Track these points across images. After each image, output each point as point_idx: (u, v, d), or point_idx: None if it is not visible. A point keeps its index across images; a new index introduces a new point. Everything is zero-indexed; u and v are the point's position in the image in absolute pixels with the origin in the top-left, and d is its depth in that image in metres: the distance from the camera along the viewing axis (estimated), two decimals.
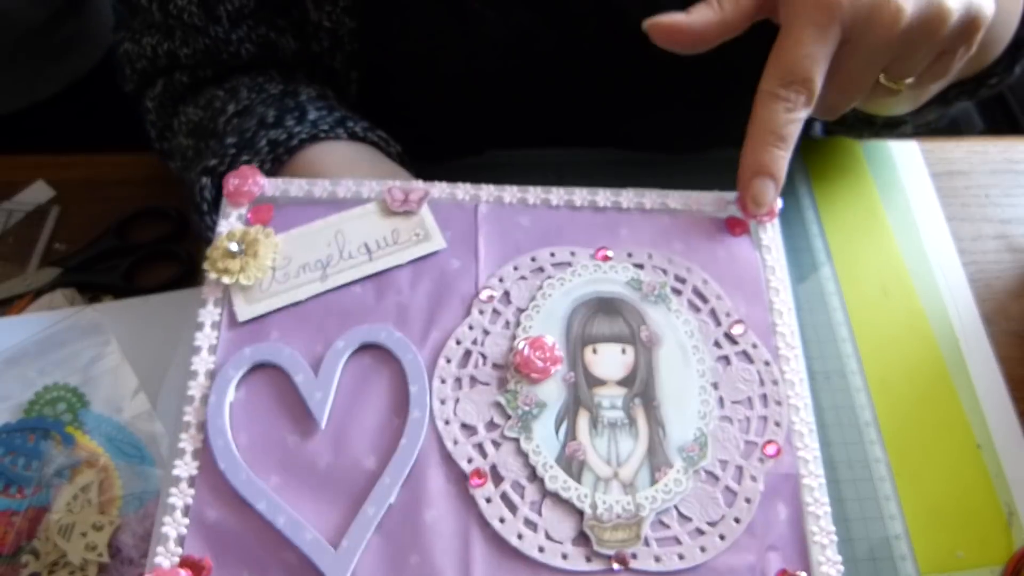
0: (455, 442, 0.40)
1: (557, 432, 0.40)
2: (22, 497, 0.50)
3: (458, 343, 0.43)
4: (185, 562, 0.38)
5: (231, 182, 0.46)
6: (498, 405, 0.41)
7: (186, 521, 0.39)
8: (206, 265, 0.44)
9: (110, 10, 0.62)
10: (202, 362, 0.42)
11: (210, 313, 0.43)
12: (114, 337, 0.57)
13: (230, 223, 0.45)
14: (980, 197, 0.74)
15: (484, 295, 0.44)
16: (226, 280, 0.43)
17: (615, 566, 0.38)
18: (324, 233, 0.45)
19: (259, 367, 0.42)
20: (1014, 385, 0.61)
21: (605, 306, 0.44)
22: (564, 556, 0.38)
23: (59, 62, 0.73)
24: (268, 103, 0.57)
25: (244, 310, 0.43)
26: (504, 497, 0.39)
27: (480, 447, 0.40)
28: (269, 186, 0.46)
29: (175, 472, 0.39)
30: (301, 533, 0.38)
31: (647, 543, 0.39)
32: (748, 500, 0.40)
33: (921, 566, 0.53)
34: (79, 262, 0.64)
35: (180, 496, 0.39)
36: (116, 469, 0.52)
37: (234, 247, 0.43)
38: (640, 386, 0.42)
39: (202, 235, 0.56)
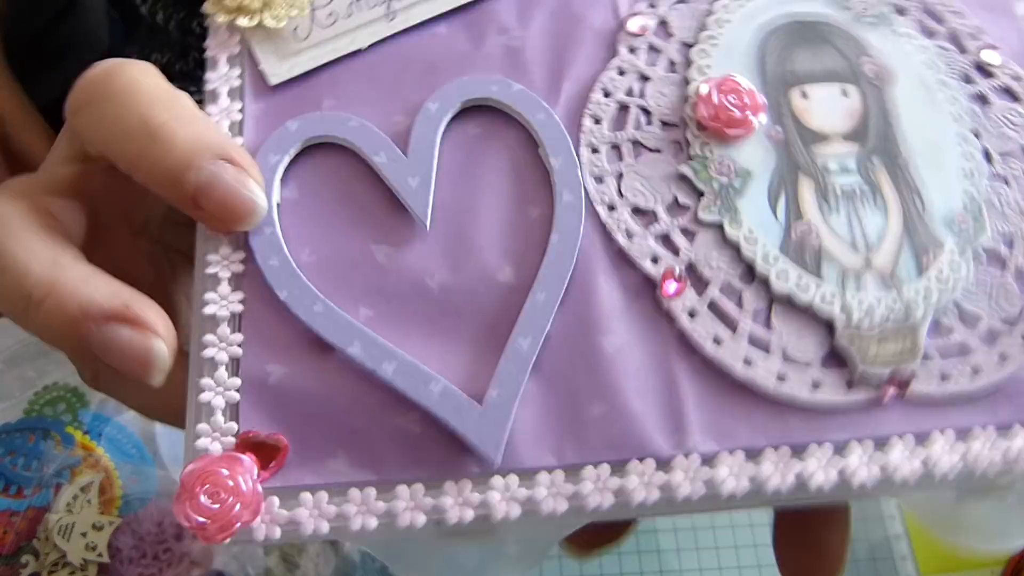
0: (629, 235, 0.27)
1: (775, 211, 0.27)
2: (22, 497, 0.49)
3: (607, 95, 0.29)
4: (245, 443, 0.24)
5: None
6: (682, 178, 0.28)
7: (237, 383, 0.25)
8: (207, 7, 0.28)
9: (103, 15, 0.51)
10: None
11: (224, 78, 0.28)
12: None
13: None
14: None
15: (633, 25, 0.29)
16: (243, 22, 0.28)
17: (891, 391, 0.26)
18: None
19: (313, 149, 0.27)
20: None
21: (807, 33, 0.30)
22: (815, 385, 0.26)
23: (53, 69, 0.66)
24: None
25: (276, 68, 0.28)
26: (714, 307, 0.26)
27: (666, 239, 0.27)
28: None
29: (206, 310, 0.25)
30: (424, 384, 0.24)
31: (927, 355, 0.26)
32: None
33: (921, 566, 0.53)
34: None
35: (222, 346, 0.25)
36: (116, 469, 0.51)
37: None
38: (877, 139, 0.29)
39: None
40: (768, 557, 0.33)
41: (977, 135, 0.29)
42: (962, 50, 0.30)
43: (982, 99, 0.30)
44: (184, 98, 0.26)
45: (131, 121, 0.25)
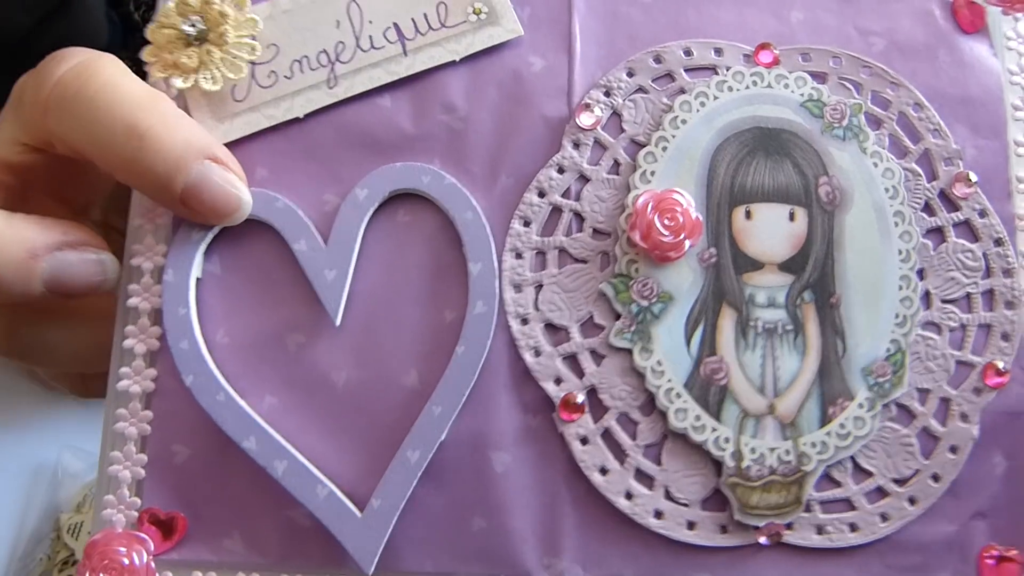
0: (536, 353, 0.27)
1: (688, 342, 0.27)
2: None
3: (541, 195, 0.28)
4: (148, 519, 0.26)
5: None
6: (601, 296, 0.27)
7: (144, 459, 0.26)
8: (146, 56, 0.28)
9: (101, 17, 0.46)
10: (148, 216, 0.27)
11: None
12: None
13: None
14: None
15: (583, 119, 0.28)
16: (178, 83, 0.27)
17: (762, 540, 0.27)
18: (329, 7, 0.28)
19: (240, 225, 0.28)
20: None
21: (769, 143, 0.28)
22: (690, 525, 0.27)
23: None
24: None
25: (212, 131, 0.28)
26: (607, 437, 0.27)
27: (573, 361, 0.27)
28: None
29: (119, 385, 0.27)
30: (310, 488, 0.26)
31: (808, 508, 0.27)
32: (954, 449, 0.27)
33: None
34: None
35: (133, 421, 0.26)
36: None
37: (188, 28, 0.27)
38: (814, 272, 0.28)
39: None
40: None
41: (923, 275, 0.28)
42: (932, 176, 0.29)
43: (939, 234, 0.29)
44: (164, 99, 0.26)
45: (115, 126, 0.25)
